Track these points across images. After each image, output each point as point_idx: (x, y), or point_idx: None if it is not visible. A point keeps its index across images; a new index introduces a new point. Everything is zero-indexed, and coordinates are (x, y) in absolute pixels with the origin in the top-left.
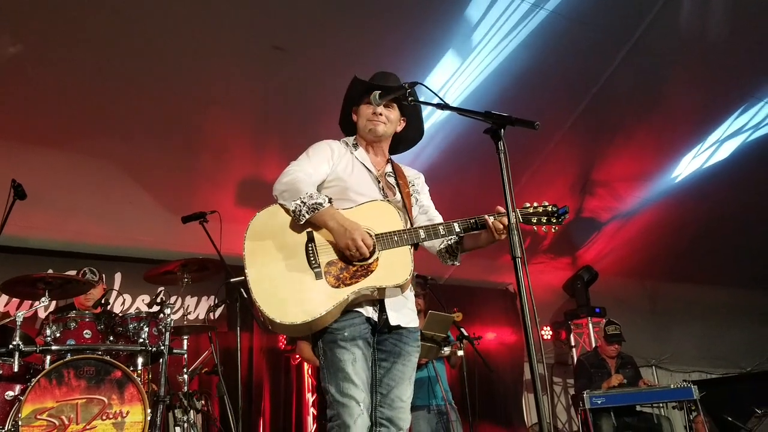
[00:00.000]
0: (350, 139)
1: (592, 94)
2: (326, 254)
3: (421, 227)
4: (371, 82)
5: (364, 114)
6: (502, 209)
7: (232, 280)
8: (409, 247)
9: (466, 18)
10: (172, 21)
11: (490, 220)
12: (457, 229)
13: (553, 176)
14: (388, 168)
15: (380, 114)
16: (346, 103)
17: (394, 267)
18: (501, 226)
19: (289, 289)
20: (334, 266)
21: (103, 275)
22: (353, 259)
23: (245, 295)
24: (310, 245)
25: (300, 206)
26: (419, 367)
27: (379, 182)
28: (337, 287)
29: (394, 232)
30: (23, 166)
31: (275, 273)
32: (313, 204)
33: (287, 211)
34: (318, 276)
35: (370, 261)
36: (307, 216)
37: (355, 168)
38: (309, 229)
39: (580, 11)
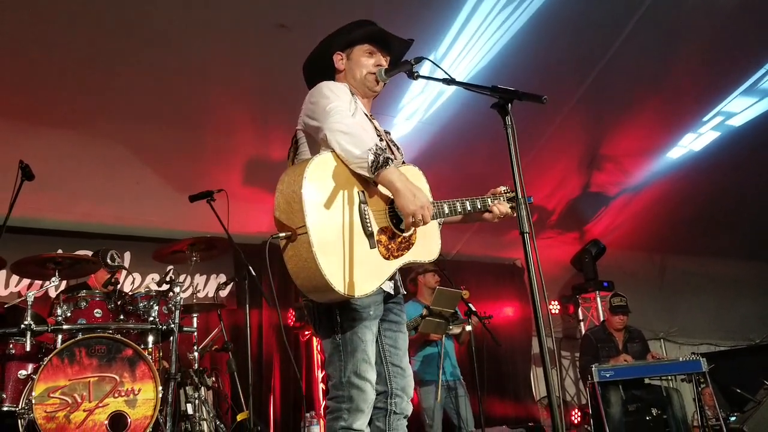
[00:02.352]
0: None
1: (600, 68)
2: (378, 220)
3: (443, 202)
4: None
5: (364, 63)
6: (499, 190)
7: (281, 234)
8: (437, 221)
9: None
10: (175, 0)
11: (491, 201)
12: (469, 208)
13: (560, 151)
14: (377, 123)
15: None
16: (331, 45)
17: (429, 242)
18: (498, 212)
19: (346, 254)
20: (384, 235)
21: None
22: (411, 228)
23: (252, 273)
24: (364, 207)
25: (376, 156)
26: (430, 342)
27: (382, 140)
28: (387, 259)
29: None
30: (31, 148)
31: (333, 233)
32: (386, 157)
33: (342, 158)
34: (372, 245)
35: (411, 233)
36: (380, 170)
37: (367, 122)
38: (361, 189)
39: None
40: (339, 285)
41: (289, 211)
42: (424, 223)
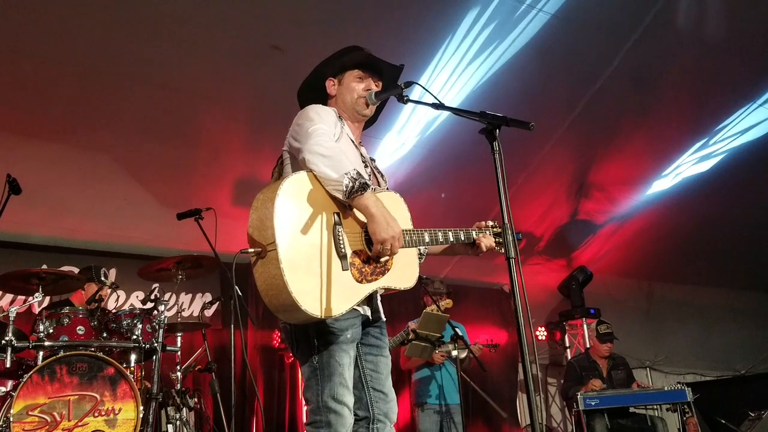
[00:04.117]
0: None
1: (589, 97)
2: (353, 243)
3: (425, 230)
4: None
5: (354, 88)
6: (484, 224)
7: (250, 250)
8: (416, 249)
9: (464, 20)
10: (169, 17)
11: (476, 234)
12: (451, 238)
13: (549, 178)
14: (363, 150)
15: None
16: (324, 71)
17: (406, 269)
18: (484, 247)
19: (316, 274)
20: (358, 258)
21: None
22: (380, 256)
23: (239, 293)
24: (338, 229)
25: (352, 182)
26: (431, 365)
27: (366, 167)
28: (360, 282)
29: (406, 231)
30: (18, 161)
31: (304, 252)
32: (363, 183)
33: (319, 180)
34: (344, 267)
35: (387, 258)
36: (355, 195)
37: (351, 147)
38: (336, 210)
39: (578, 14)
40: (306, 304)
41: (260, 228)
42: (392, 254)
